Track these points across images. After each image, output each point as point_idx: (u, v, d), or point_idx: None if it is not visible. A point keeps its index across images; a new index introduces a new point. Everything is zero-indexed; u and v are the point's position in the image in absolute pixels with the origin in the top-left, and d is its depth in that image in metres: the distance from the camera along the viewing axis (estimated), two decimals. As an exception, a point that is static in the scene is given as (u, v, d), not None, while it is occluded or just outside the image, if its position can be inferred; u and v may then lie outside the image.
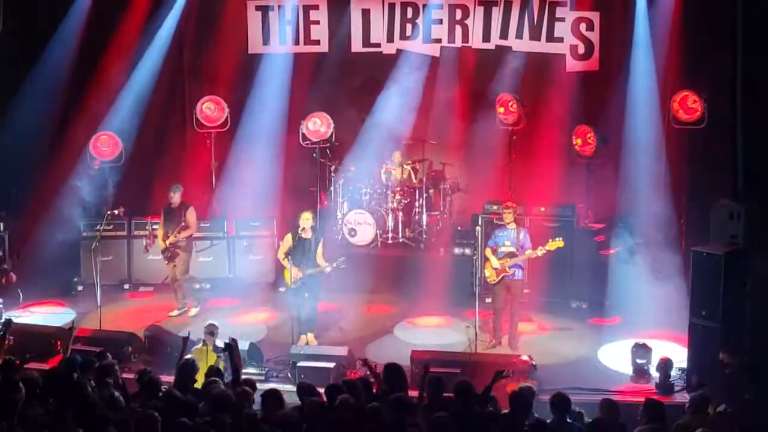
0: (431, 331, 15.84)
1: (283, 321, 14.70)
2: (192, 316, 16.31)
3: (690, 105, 16.39)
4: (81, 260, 17.74)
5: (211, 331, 13.21)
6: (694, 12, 16.72)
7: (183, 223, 16.27)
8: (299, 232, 14.70)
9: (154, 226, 17.00)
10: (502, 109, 17.91)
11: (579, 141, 17.25)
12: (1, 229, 17.39)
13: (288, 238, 14.84)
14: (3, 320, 12.99)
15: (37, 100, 17.73)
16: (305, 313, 14.79)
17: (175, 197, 16.41)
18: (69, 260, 17.86)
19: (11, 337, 13.09)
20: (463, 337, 14.90)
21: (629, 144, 17.00)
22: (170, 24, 19.01)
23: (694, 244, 14.15)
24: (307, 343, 14.64)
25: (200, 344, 13.14)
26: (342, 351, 13.67)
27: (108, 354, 11.71)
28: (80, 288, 17.66)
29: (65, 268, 17.83)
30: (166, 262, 16.48)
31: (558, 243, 14.43)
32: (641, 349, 13.54)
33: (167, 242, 16.28)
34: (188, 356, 12.04)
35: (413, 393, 10.58)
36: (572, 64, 18.03)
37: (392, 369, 10.80)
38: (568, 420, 9.73)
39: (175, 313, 16.46)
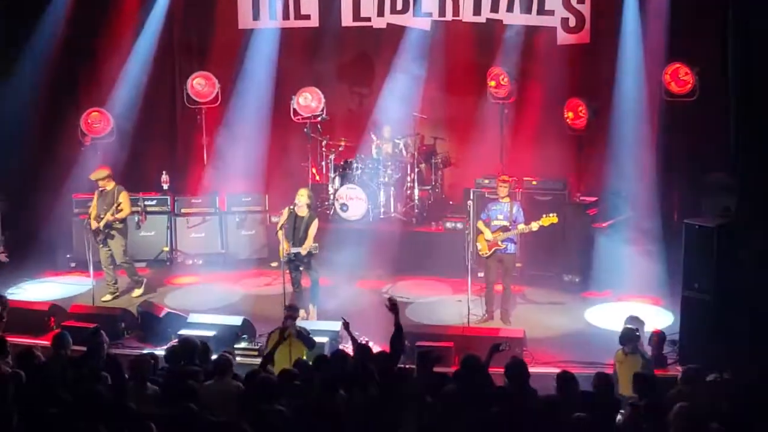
0: (424, 306, 15.80)
1: (277, 295, 14.60)
2: (136, 297, 16.08)
3: (682, 77, 16.30)
4: (73, 237, 17.63)
5: (292, 315, 12.41)
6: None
7: (117, 206, 15.78)
8: (294, 207, 14.67)
9: (147, 202, 16.85)
10: (493, 83, 17.83)
11: (571, 114, 17.20)
12: (-8, 207, 17.32)
13: (285, 212, 14.82)
14: None
15: (27, 77, 17.58)
16: (307, 286, 14.90)
17: (107, 182, 15.83)
18: (61, 237, 17.76)
19: (5, 314, 13.08)
20: (456, 311, 14.93)
21: (621, 117, 16.89)
22: (161, 0, 18.85)
23: (686, 216, 14.08)
24: (306, 318, 14.61)
25: (278, 330, 12.29)
26: (335, 326, 13.60)
27: (102, 331, 11.63)
28: (73, 265, 17.60)
29: (57, 246, 17.74)
30: (100, 245, 15.92)
31: (552, 218, 14.37)
32: (634, 322, 13.49)
33: (101, 223, 15.73)
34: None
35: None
36: (563, 37, 17.89)
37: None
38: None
39: (108, 297, 16.03)
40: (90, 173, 16.04)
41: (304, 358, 11.67)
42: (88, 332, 11.72)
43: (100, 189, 15.72)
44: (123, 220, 15.97)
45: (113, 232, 15.90)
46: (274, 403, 9.16)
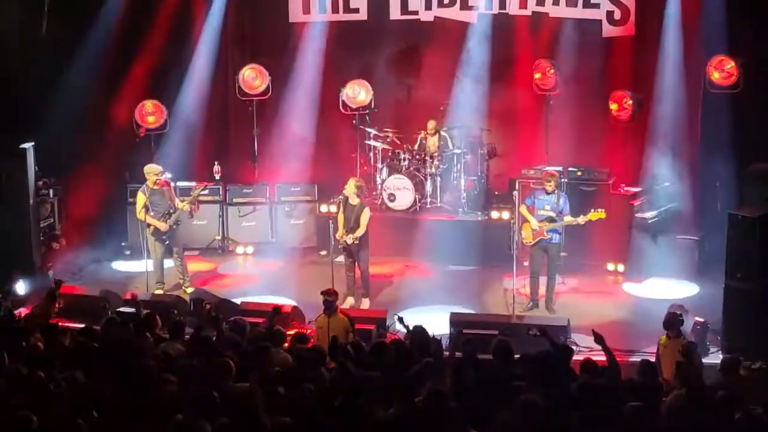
0: (470, 294, 15.74)
1: (327, 282, 14.62)
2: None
3: (726, 69, 16.14)
4: (128, 225, 17.77)
5: (327, 298, 12.39)
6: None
7: (173, 200, 15.70)
8: (344, 196, 14.90)
9: (202, 192, 16.83)
10: (539, 75, 17.76)
11: (615, 106, 17.08)
12: (51, 195, 17.43)
13: (338, 200, 15.04)
14: (54, 282, 12.95)
15: (84, 68, 17.66)
16: (357, 275, 15.06)
17: (159, 177, 15.68)
18: (116, 225, 17.93)
19: (61, 300, 13.18)
20: (501, 299, 14.91)
21: (665, 108, 16.76)
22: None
23: (729, 206, 13.94)
24: (351, 306, 14.70)
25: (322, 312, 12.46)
26: (382, 314, 13.62)
27: (157, 317, 11.75)
28: (128, 252, 17.72)
29: (113, 233, 17.92)
30: (167, 242, 15.73)
31: (600, 214, 14.26)
32: (678, 309, 13.38)
33: (170, 221, 15.57)
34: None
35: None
36: (608, 30, 17.73)
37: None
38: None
39: (189, 289, 15.84)
40: (144, 164, 16.05)
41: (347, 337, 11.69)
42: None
43: (152, 187, 15.55)
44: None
45: (179, 224, 15.88)
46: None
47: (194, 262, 17.19)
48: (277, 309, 12.03)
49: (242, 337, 11.06)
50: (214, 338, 10.96)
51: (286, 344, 11.13)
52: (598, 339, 10.33)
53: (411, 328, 11.16)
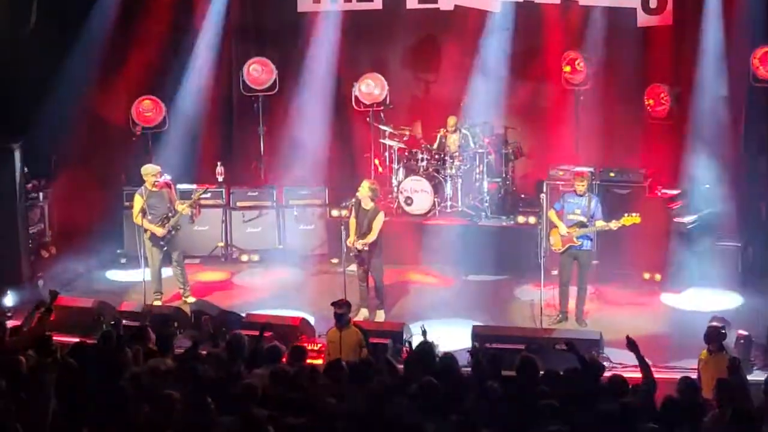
0: (493, 305, 15.78)
1: (339, 293, 14.65)
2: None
3: (772, 61, 16.13)
4: (124, 231, 17.83)
5: (338, 310, 12.28)
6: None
7: (173, 203, 15.70)
8: (357, 200, 14.97)
9: (203, 195, 16.87)
10: (568, 68, 17.76)
11: (651, 101, 17.06)
12: (41, 199, 17.50)
13: (351, 204, 15.00)
14: (49, 293, 12.97)
15: (77, 64, 17.71)
16: (371, 285, 15.10)
17: (158, 178, 15.66)
18: (111, 231, 17.98)
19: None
20: (528, 311, 14.89)
21: (705, 104, 16.72)
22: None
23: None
24: (365, 318, 14.77)
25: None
26: (398, 327, 13.63)
27: (150, 330, 11.75)
28: (124, 261, 17.79)
29: (108, 240, 17.98)
30: (165, 248, 15.72)
31: (634, 219, 14.25)
32: (719, 321, 13.35)
33: (172, 222, 15.57)
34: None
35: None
36: (644, 19, 17.71)
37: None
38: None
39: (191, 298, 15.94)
40: (141, 165, 16.08)
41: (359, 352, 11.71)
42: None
43: (150, 189, 15.57)
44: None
45: (177, 232, 15.86)
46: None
47: (199, 271, 17.31)
48: (264, 327, 12.04)
49: (240, 356, 10.98)
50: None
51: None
52: (632, 346, 10.32)
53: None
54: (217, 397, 9.11)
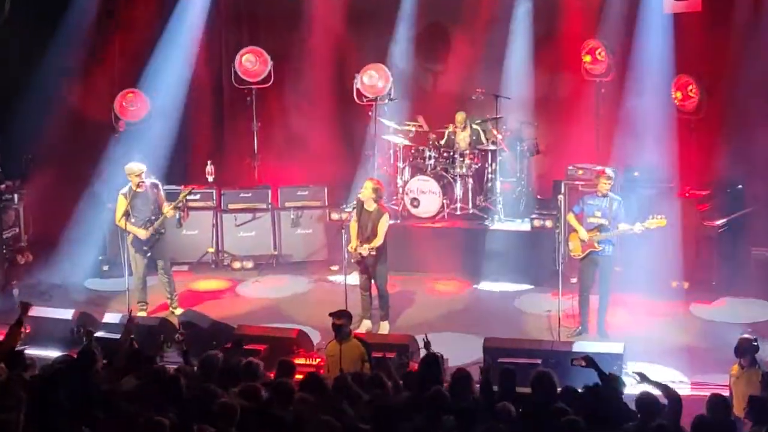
0: (506, 316, 15.75)
1: (339, 302, 14.62)
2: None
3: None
4: (106, 236, 17.80)
5: (336, 321, 12.13)
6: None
7: (158, 205, 15.56)
8: (360, 202, 14.90)
9: (190, 197, 16.84)
10: (588, 58, 17.75)
11: (679, 94, 17.02)
12: (15, 200, 17.47)
13: (352, 206, 15.10)
14: (19, 305, 12.94)
15: (56, 57, 17.72)
16: (374, 294, 15.05)
17: (143, 178, 15.47)
18: (92, 236, 17.93)
19: (28, 325, 13.17)
20: (544, 323, 14.85)
21: (738, 97, 16.70)
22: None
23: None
24: (368, 330, 14.76)
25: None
26: (404, 339, 13.60)
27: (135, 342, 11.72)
28: (106, 268, 17.76)
29: (88, 246, 17.89)
30: (148, 254, 15.63)
31: (660, 221, 14.18)
32: (752, 332, 13.32)
33: (156, 225, 15.46)
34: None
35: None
36: (671, 5, 17.67)
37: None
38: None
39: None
40: (125, 164, 16.02)
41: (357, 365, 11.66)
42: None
43: (135, 189, 15.44)
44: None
45: (161, 236, 15.72)
46: None
47: (188, 279, 17.35)
48: (241, 340, 12.01)
49: (211, 376, 10.91)
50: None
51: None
52: (643, 378, 10.30)
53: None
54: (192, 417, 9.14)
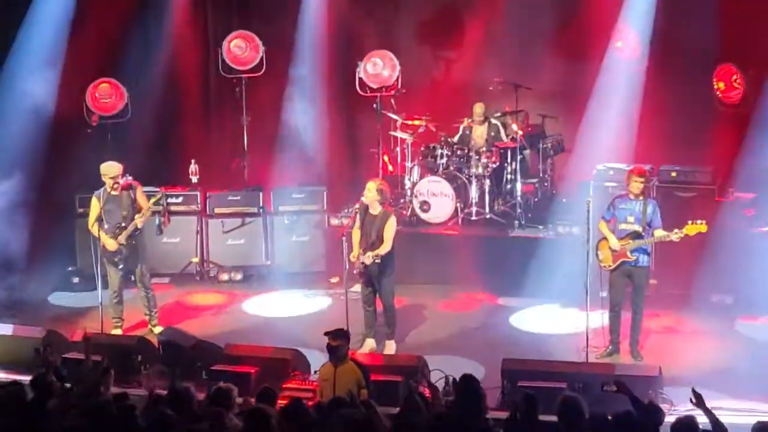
0: (528, 334, 15.76)
1: (340, 318, 14.57)
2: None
3: None
4: (77, 245, 17.80)
5: (332, 342, 11.97)
6: None
7: (134, 210, 15.42)
8: (364, 205, 14.85)
9: (170, 200, 16.77)
10: (619, 44, 17.73)
11: (722, 85, 17.10)
12: (-25, 206, 17.50)
13: (354, 210, 15.10)
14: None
15: (23, 43, 17.74)
16: (379, 309, 15.03)
17: (118, 179, 15.36)
18: (61, 244, 17.93)
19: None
20: (571, 342, 14.78)
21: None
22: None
23: None
24: (372, 349, 14.74)
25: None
26: (412, 360, 13.50)
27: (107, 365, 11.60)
28: (76, 280, 17.72)
29: (56, 255, 17.89)
30: (120, 265, 15.53)
31: (700, 227, 14.09)
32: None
33: (121, 236, 15.34)
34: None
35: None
36: (712, -16, 17.70)
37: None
38: None
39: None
40: (99, 163, 15.95)
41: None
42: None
43: (109, 192, 15.33)
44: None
45: (134, 242, 15.58)
46: None
47: (170, 293, 17.37)
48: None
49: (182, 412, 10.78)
50: None
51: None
52: (699, 401, 10.18)
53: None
54: None
